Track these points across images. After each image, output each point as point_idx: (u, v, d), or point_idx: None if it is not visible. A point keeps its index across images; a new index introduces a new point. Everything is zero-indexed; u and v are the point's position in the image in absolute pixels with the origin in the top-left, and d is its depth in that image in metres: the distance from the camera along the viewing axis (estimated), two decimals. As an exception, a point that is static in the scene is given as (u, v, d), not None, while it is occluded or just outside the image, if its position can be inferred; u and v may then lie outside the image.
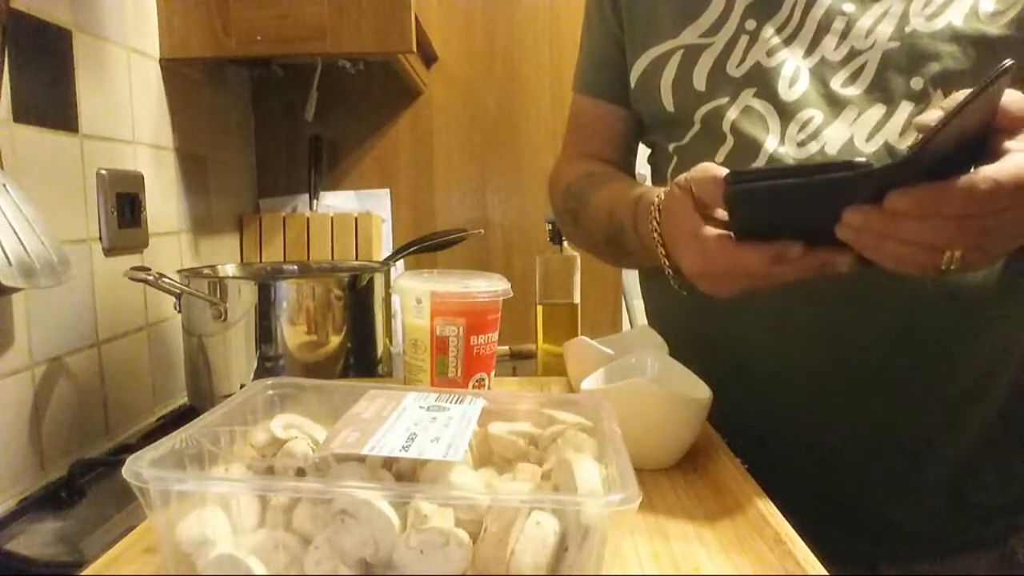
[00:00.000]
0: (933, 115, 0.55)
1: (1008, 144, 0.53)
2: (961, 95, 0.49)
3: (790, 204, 0.55)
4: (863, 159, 0.52)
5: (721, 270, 0.61)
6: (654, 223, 0.68)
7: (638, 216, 0.74)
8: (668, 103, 0.81)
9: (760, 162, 0.75)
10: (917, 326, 0.73)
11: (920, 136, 0.50)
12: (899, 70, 0.72)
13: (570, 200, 0.90)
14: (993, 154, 0.53)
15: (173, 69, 1.24)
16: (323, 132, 1.64)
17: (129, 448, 0.98)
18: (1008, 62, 0.49)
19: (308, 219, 1.60)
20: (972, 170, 0.52)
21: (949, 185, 0.50)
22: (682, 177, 0.64)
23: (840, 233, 0.54)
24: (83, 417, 0.96)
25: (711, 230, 0.60)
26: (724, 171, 0.59)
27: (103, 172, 1.00)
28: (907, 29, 0.72)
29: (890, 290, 0.70)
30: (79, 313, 0.96)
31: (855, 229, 0.53)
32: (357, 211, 1.62)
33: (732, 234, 0.60)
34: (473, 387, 0.73)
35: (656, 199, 0.69)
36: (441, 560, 0.40)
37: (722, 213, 0.61)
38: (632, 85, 0.85)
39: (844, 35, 0.75)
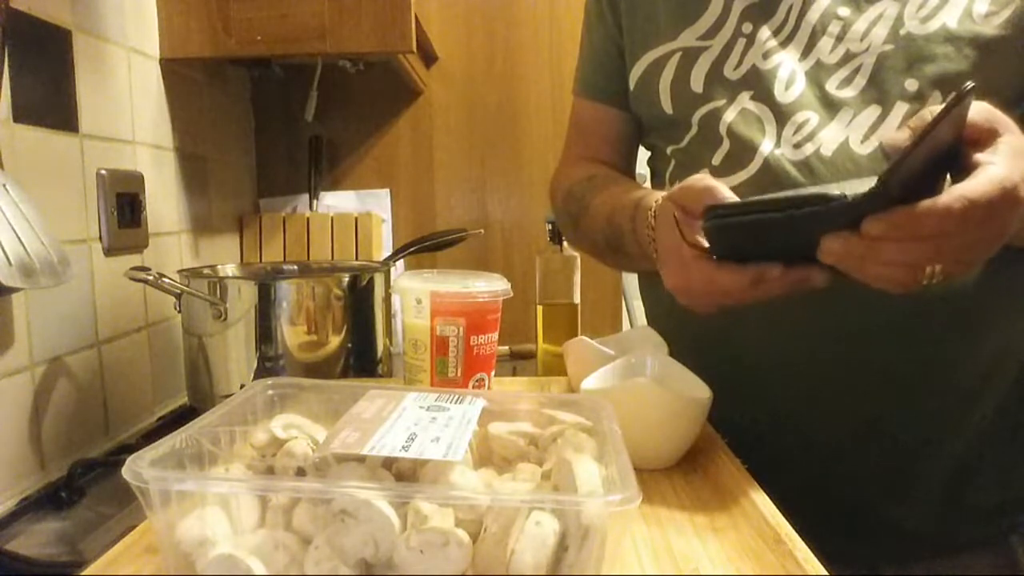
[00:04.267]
0: (901, 135, 0.55)
1: (979, 157, 0.53)
2: (928, 113, 0.50)
3: (767, 236, 0.56)
4: (838, 192, 0.52)
5: (699, 288, 0.62)
6: (650, 229, 0.69)
7: (636, 221, 0.74)
8: (667, 105, 0.81)
9: (756, 164, 0.75)
10: (917, 326, 0.73)
11: (891, 160, 0.51)
12: (894, 72, 0.72)
13: (571, 203, 0.90)
14: (965, 168, 0.53)
15: (173, 69, 1.24)
16: (323, 132, 1.64)
17: (129, 448, 0.98)
18: (970, 84, 0.50)
19: (308, 219, 1.59)
20: (946, 183, 0.52)
21: (924, 207, 0.50)
22: (670, 191, 0.65)
23: (821, 258, 0.55)
24: (83, 417, 0.96)
25: (691, 251, 0.61)
26: (710, 181, 0.60)
27: (103, 172, 1.00)
28: (902, 32, 0.72)
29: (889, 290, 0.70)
30: (79, 313, 0.96)
31: (836, 255, 0.54)
32: (357, 211, 1.62)
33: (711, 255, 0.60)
34: (473, 387, 0.73)
35: (653, 205, 0.69)
36: (441, 560, 0.40)
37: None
38: (631, 87, 0.85)
39: (840, 38, 0.75)
